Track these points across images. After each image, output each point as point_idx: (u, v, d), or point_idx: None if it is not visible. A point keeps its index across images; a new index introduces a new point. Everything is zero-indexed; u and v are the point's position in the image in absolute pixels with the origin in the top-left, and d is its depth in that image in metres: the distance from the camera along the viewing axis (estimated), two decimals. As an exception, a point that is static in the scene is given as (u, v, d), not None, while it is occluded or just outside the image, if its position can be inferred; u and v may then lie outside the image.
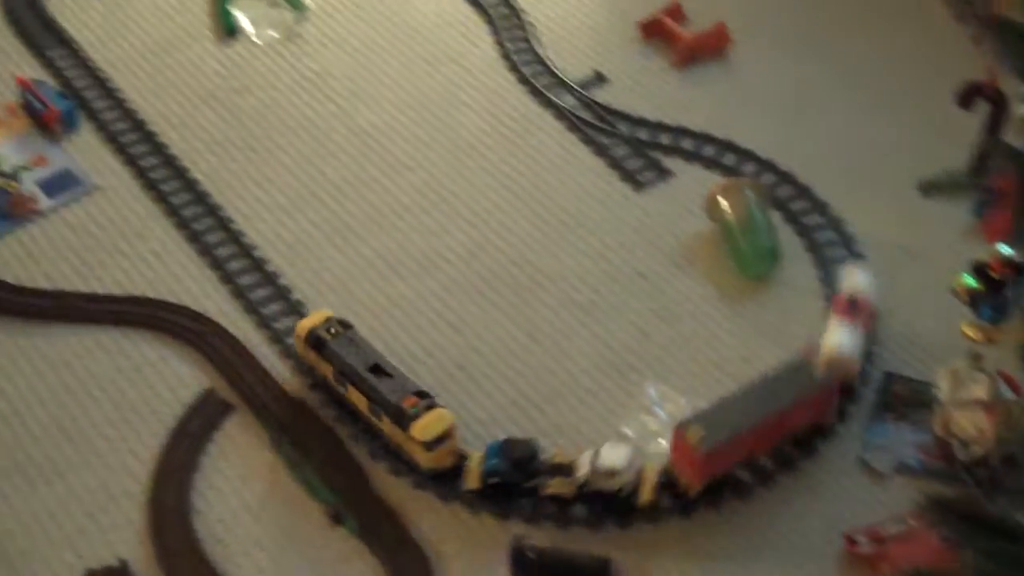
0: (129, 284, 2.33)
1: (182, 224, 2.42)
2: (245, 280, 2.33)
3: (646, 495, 1.96)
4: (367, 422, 2.07)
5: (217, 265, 2.35)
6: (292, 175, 2.51)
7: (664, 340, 2.23)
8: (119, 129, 2.58)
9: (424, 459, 1.99)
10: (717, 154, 2.53)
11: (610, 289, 2.31)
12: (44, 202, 2.45)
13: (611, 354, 2.21)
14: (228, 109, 2.63)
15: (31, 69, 2.71)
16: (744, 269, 2.32)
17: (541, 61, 2.71)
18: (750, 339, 2.22)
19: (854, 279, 2.20)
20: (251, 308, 2.28)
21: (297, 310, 2.27)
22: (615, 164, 2.52)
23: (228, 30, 2.77)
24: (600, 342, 2.23)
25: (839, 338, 2.09)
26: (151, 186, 2.48)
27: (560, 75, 2.68)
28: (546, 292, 2.31)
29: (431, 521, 1.99)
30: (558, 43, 2.76)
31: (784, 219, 2.40)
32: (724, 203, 2.36)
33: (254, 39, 2.77)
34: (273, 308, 2.28)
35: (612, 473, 1.95)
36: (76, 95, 2.65)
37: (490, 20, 2.80)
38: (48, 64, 2.72)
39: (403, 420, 1.98)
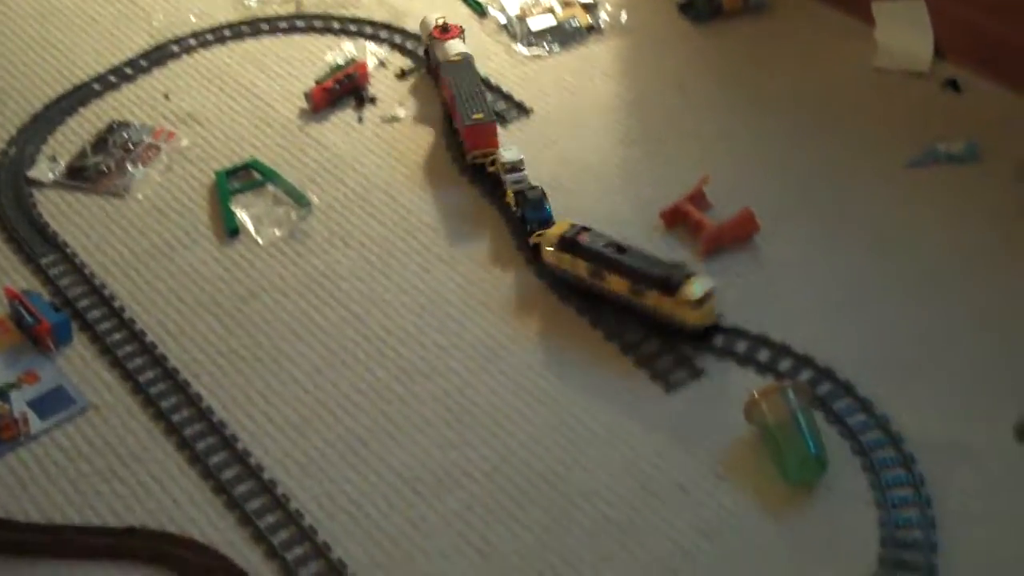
0: (127, 514, 2.15)
1: (183, 444, 2.25)
2: (253, 505, 2.15)
3: None
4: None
5: (222, 489, 2.18)
6: (301, 387, 2.35)
7: (709, 560, 2.05)
8: (115, 341, 2.43)
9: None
10: (750, 350, 2.37)
11: (648, 504, 2.14)
12: (35, 424, 2.28)
13: (654, 580, 2.04)
14: (231, 316, 2.48)
15: (22, 278, 2.57)
16: (789, 476, 2.15)
17: (561, 254, 2.57)
18: (801, 553, 2.05)
19: None
20: (259, 536, 2.10)
21: (309, 537, 2.10)
22: (643, 362, 2.37)
23: (230, 230, 2.64)
24: (640, 566, 2.05)
25: None
26: (149, 402, 2.32)
27: (581, 268, 2.54)
28: (579, 510, 2.13)
29: None
30: (579, 233, 2.63)
31: (827, 420, 2.24)
32: (764, 406, 2.20)
33: (257, 239, 2.64)
34: (283, 536, 2.10)
35: None
36: (69, 305, 2.50)
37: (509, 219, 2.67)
38: (39, 272, 2.58)
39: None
